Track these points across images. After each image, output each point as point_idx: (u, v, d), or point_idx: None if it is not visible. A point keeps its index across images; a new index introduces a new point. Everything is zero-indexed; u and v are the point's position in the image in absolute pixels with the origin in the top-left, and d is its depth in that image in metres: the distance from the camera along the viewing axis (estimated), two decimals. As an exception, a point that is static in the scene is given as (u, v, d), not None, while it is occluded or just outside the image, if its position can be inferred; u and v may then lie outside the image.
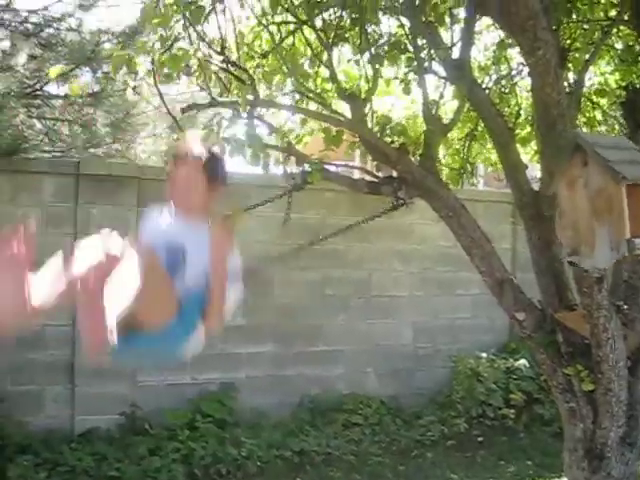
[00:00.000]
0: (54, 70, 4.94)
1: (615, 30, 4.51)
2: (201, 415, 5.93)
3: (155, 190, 6.35)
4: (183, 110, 3.64)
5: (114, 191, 6.06)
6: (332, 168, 4.19)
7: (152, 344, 2.05)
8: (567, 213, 2.61)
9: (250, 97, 3.46)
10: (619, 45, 4.75)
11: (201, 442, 5.62)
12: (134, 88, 4.14)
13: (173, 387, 6.22)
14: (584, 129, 4.99)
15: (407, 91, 4.38)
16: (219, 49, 3.55)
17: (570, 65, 4.18)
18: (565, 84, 3.64)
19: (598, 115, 5.34)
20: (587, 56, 3.94)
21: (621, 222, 2.40)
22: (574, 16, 4.18)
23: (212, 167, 2.28)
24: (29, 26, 6.86)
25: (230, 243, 2.18)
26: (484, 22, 4.57)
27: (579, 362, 3.18)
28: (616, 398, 3.10)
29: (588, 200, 2.51)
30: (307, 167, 3.96)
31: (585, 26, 4.31)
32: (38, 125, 7.19)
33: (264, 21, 4.20)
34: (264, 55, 4.20)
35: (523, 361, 7.07)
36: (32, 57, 6.79)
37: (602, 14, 4.33)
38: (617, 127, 5.36)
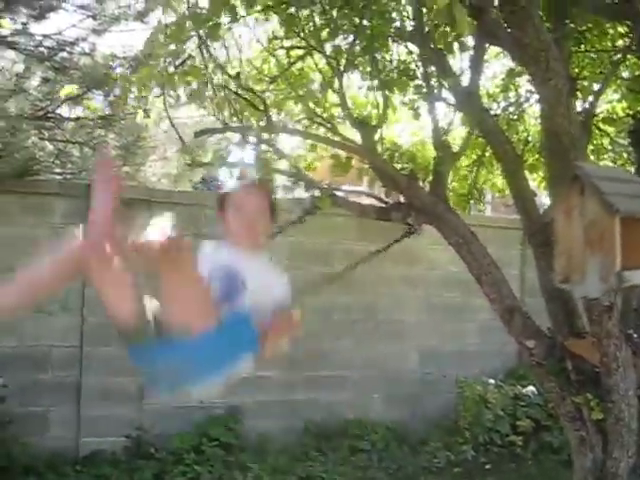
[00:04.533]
0: (65, 90, 4.99)
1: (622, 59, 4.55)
2: (207, 439, 5.90)
3: (164, 213, 6.42)
4: (196, 134, 3.68)
5: (125, 214, 6.09)
6: (341, 194, 4.21)
7: (187, 352, 1.86)
8: (562, 241, 2.62)
9: (262, 123, 3.49)
10: (626, 74, 4.78)
11: (207, 466, 5.59)
12: (145, 110, 4.18)
13: (179, 410, 6.18)
14: (591, 157, 5.00)
15: (417, 116, 4.41)
16: (233, 74, 3.58)
17: (579, 93, 4.20)
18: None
19: (606, 143, 5.36)
20: (597, 86, 3.96)
21: (612, 254, 2.40)
22: (582, 46, 4.22)
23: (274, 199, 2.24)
24: (43, 50, 6.95)
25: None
26: (493, 50, 4.61)
27: (589, 390, 3.16)
28: (627, 427, 3.07)
29: (582, 229, 2.51)
30: (316, 192, 3.98)
31: (593, 55, 4.35)
32: (49, 147, 7.26)
33: (273, 45, 4.25)
34: (273, 79, 4.24)
35: (531, 388, 7.01)
36: (45, 80, 6.87)
37: (610, 44, 4.37)
38: (625, 155, 5.37)
